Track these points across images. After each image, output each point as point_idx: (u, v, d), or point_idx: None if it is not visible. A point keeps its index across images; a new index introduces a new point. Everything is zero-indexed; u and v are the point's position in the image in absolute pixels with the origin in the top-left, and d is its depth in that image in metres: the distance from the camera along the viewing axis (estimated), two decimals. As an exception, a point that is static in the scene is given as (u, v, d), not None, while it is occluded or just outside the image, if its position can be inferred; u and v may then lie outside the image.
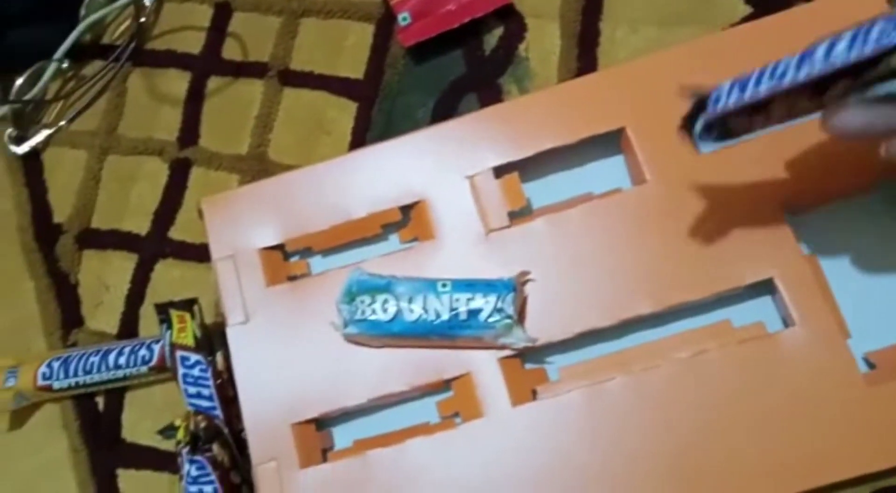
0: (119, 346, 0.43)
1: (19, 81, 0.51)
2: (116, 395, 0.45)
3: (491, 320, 0.37)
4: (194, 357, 0.40)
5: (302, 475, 0.38)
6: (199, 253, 0.47)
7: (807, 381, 0.35)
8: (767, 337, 0.36)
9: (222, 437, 0.38)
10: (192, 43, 0.52)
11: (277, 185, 0.44)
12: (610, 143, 0.42)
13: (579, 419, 0.37)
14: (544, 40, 0.47)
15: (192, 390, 0.39)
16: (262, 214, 0.43)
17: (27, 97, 0.51)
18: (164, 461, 0.43)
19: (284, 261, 0.43)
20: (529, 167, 0.42)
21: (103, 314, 0.47)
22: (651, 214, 0.39)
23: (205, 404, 0.39)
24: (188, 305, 0.41)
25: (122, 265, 0.48)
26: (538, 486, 0.36)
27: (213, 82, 0.51)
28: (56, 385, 0.43)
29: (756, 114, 0.30)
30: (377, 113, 0.48)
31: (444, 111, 0.47)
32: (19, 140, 0.51)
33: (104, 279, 0.48)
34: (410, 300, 0.38)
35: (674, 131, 0.34)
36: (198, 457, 0.37)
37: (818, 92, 0.28)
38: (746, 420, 0.35)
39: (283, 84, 0.50)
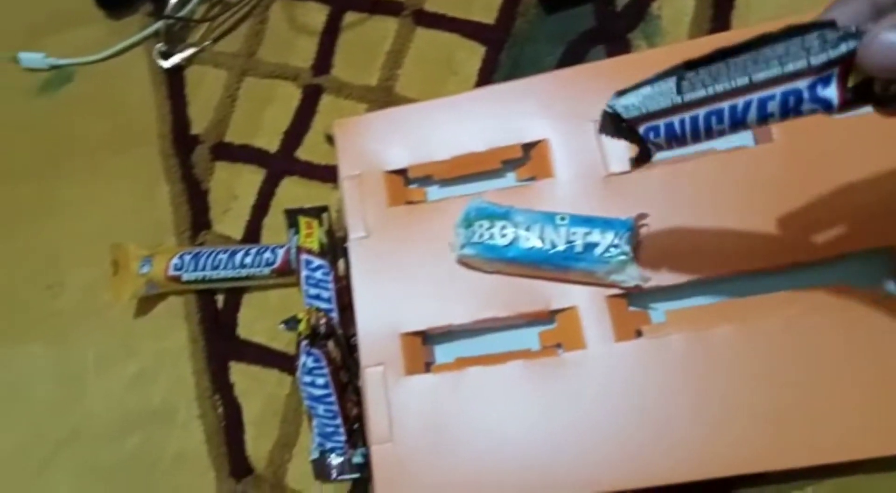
0: (246, 247, 0.46)
1: (173, 1, 0.54)
2: (236, 294, 0.48)
3: (606, 255, 0.38)
4: (318, 261, 0.42)
5: (406, 382, 0.40)
6: (322, 173, 0.49)
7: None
8: (884, 300, 0.36)
9: (337, 336, 0.41)
10: (334, -22, 0.54)
11: (407, 113, 0.46)
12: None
13: (682, 362, 0.37)
14: (679, 1, 0.47)
15: (313, 291, 0.42)
16: (390, 140, 0.45)
17: (179, 15, 0.54)
18: (273, 359, 0.46)
19: (405, 186, 0.45)
20: (654, 119, 0.42)
21: (230, 221, 0.50)
22: (774, 173, 0.39)
23: (323, 305, 0.41)
24: (317, 212, 0.44)
25: (250, 178, 0.50)
26: (631, 421, 0.37)
27: (349, 17, 0.53)
28: (185, 277, 0.46)
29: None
30: (505, 57, 0.49)
31: (571, 61, 0.48)
32: (166, 55, 0.55)
33: (233, 189, 0.51)
34: (528, 229, 0.39)
35: None
36: (315, 350, 0.39)
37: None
38: (853, 381, 0.35)
39: (416, 23, 0.51)
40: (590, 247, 0.38)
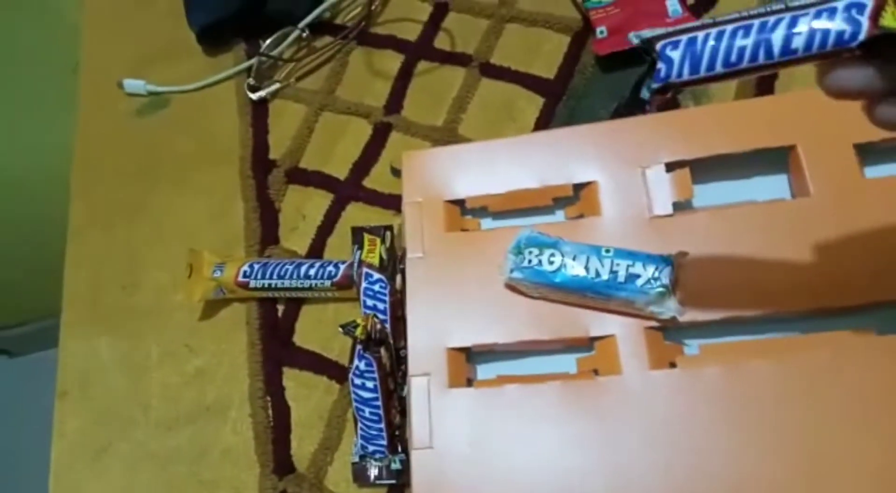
0: (311, 261, 0.49)
1: (267, 41, 0.60)
2: (295, 305, 0.51)
3: (647, 286, 0.40)
4: (377, 275, 0.45)
5: (449, 394, 0.42)
6: (385, 201, 0.53)
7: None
8: (911, 350, 0.37)
9: (389, 345, 0.43)
10: (410, 32, 0.59)
11: (469, 150, 0.50)
12: (776, 161, 0.45)
13: (715, 394, 0.38)
14: (726, 68, 0.51)
15: (370, 302, 0.45)
16: (451, 173, 0.48)
17: (271, 54, 0.60)
18: (324, 367, 0.48)
19: (462, 215, 0.49)
20: (698, 169, 0.45)
21: (296, 238, 0.54)
22: (810, 223, 0.41)
23: (379, 316, 0.44)
24: (381, 231, 0.47)
25: (319, 201, 0.54)
26: (663, 448, 0.38)
27: (421, 65, 0.58)
28: (252, 284, 0.49)
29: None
30: (561, 109, 0.53)
31: (623, 116, 0.51)
32: (254, 89, 0.60)
33: (302, 210, 0.55)
34: (574, 258, 0.42)
35: (839, 157, 0.39)
36: (368, 354, 0.42)
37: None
38: (881, 429, 0.36)
39: (482, 74, 0.56)
40: (632, 278, 0.40)
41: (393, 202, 0.52)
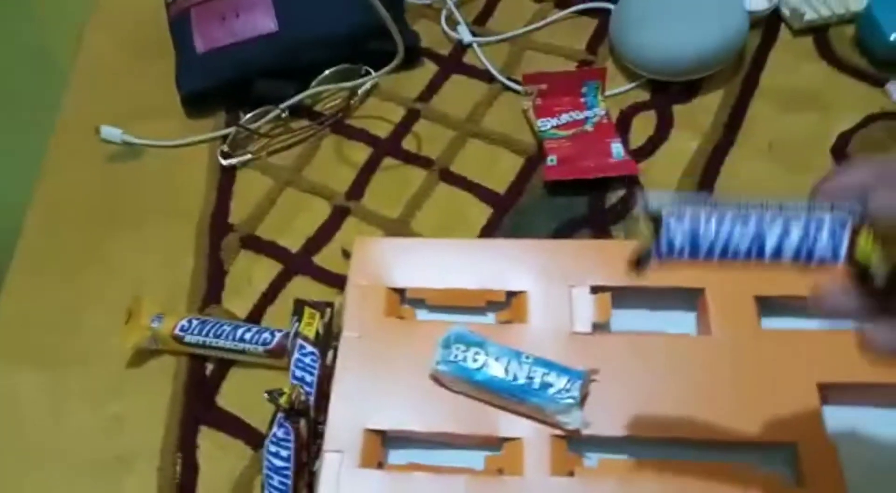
0: (249, 325, 0.50)
1: (248, 116, 0.63)
2: (225, 365, 0.51)
3: (557, 396, 0.43)
4: (310, 348, 0.47)
5: (359, 473, 0.43)
6: (331, 279, 0.55)
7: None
8: (782, 488, 0.41)
9: (309, 417, 0.44)
10: (382, 129, 0.64)
11: (417, 244, 0.53)
12: (687, 299, 0.49)
13: (605, 505, 0.41)
14: (656, 210, 0.57)
15: (299, 373, 0.46)
16: (397, 262, 0.51)
17: (249, 127, 0.63)
18: (241, 431, 0.49)
19: (400, 304, 0.51)
20: (619, 296, 0.49)
21: (239, 301, 0.55)
22: (708, 360, 0.45)
23: (306, 388, 0.45)
24: (322, 306, 0.49)
25: (267, 270, 0.56)
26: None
27: (387, 161, 0.62)
28: (187, 338, 0.50)
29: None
30: (507, 221, 0.57)
31: (560, 236, 0.56)
32: (226, 156, 0.63)
33: (250, 275, 0.56)
34: (497, 359, 0.45)
35: (740, 305, 0.45)
36: (288, 423, 0.43)
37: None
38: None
39: (440, 178, 0.60)
40: (545, 386, 0.43)
41: (338, 281, 0.54)
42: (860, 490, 0.40)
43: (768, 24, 0.67)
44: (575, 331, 0.47)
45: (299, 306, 0.49)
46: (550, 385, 0.43)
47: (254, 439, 0.48)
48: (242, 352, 0.50)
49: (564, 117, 0.62)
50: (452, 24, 0.70)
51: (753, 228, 0.28)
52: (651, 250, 0.29)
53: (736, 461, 0.42)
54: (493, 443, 0.45)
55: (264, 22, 0.65)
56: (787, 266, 0.28)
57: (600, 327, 0.48)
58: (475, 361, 0.45)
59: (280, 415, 0.43)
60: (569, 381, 0.43)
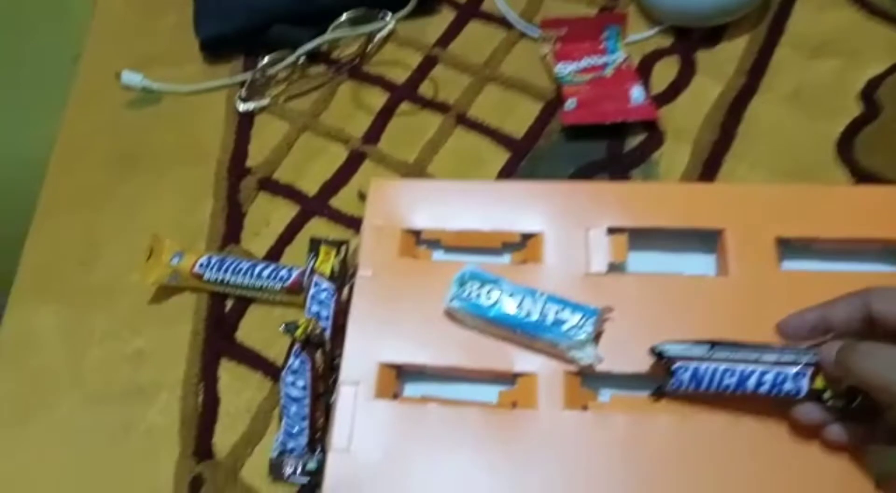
0: (266, 263, 0.51)
1: (265, 60, 0.63)
2: (244, 303, 0.52)
3: (571, 332, 0.43)
4: (326, 284, 0.47)
5: (374, 404, 0.43)
6: (347, 221, 0.55)
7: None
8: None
9: (325, 349, 0.45)
10: (399, 75, 0.63)
11: (433, 186, 0.53)
12: (706, 241, 0.49)
13: (620, 441, 0.41)
14: (675, 156, 0.55)
15: (315, 308, 0.46)
16: (413, 204, 0.51)
17: (267, 73, 0.63)
18: (260, 364, 0.49)
19: (416, 245, 0.51)
20: (636, 238, 0.49)
21: (257, 242, 0.55)
22: (726, 302, 0.45)
23: (321, 322, 0.46)
24: (338, 244, 0.49)
25: (285, 211, 0.56)
26: (565, 483, 0.40)
27: (404, 106, 0.61)
28: (207, 275, 0.51)
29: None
30: (524, 166, 0.57)
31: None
32: (244, 101, 0.63)
33: (267, 217, 0.56)
34: (511, 296, 0.45)
35: (761, 246, 0.45)
36: (304, 354, 0.43)
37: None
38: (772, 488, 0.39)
39: (457, 123, 0.60)
40: (558, 322, 0.43)
41: (354, 224, 0.54)
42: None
43: (795, -31, 0.65)
44: (591, 271, 0.47)
45: (315, 244, 0.49)
46: (564, 321, 0.43)
47: (272, 371, 0.49)
48: (260, 289, 0.50)
49: (584, 62, 0.60)
50: (471, -31, 0.69)
51: (738, 377, 0.39)
52: (665, 385, 0.41)
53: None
54: (506, 378, 0.45)
55: (282, -34, 0.64)
56: (763, 399, 0.39)
57: (616, 268, 0.47)
58: (489, 298, 0.45)
59: (296, 346, 0.43)
60: (582, 317, 0.43)
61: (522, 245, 0.50)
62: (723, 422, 0.41)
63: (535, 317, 0.44)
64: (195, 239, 0.56)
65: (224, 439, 0.47)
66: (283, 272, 0.50)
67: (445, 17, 0.67)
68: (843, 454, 0.39)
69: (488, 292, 0.45)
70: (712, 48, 0.62)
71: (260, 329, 0.51)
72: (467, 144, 0.59)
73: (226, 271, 0.50)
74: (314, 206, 0.56)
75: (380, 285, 0.48)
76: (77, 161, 0.63)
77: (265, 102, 0.63)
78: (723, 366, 0.39)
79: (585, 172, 0.56)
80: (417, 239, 0.51)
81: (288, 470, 0.43)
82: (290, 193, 0.58)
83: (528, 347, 0.45)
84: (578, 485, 0.40)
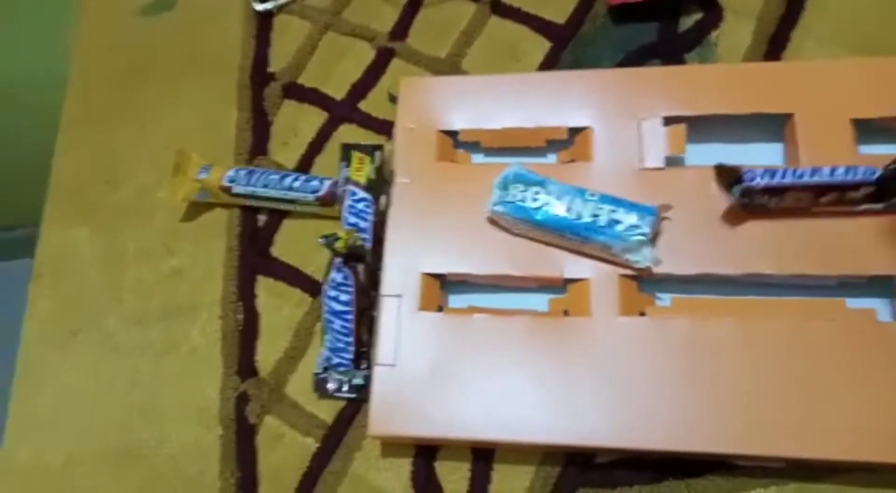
0: (296, 174, 0.48)
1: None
2: (277, 217, 0.50)
3: (626, 233, 0.39)
4: (362, 194, 0.44)
5: (418, 316, 0.41)
6: (378, 126, 0.51)
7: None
8: (874, 324, 0.37)
9: (367, 262, 0.42)
10: (426, -39, 0.58)
11: (469, 82, 0.48)
12: (773, 128, 0.44)
13: (680, 345, 0.38)
14: (736, 34, 0.49)
15: (353, 219, 0.44)
16: (448, 104, 0.47)
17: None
18: (298, 279, 0.47)
19: (454, 147, 0.47)
20: (695, 128, 0.44)
21: (286, 152, 0.52)
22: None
23: (361, 234, 0.43)
24: (371, 149, 0.46)
25: (313, 119, 0.53)
26: (621, 388, 0.38)
27: (433, -5, 0.56)
28: (235, 189, 0.48)
29: (773, 196, 0.39)
30: (567, 55, 0.51)
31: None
32: (262, 0, 0.58)
33: (295, 125, 0.53)
34: (559, 198, 0.41)
35: (835, 130, 0.40)
36: (346, 268, 0.41)
37: (817, 196, 0.39)
38: (835, 386, 0.36)
39: (492, 11, 0.54)
40: (613, 223, 0.40)
41: (386, 128, 0.50)
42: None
43: None
44: (646, 166, 0.43)
45: (346, 151, 0.46)
46: (619, 222, 0.40)
47: (311, 287, 0.47)
48: (293, 202, 0.47)
49: (632, -66, 0.53)
50: None
51: (810, 171, 0.38)
52: (741, 177, 0.39)
53: (819, 299, 0.39)
54: (556, 284, 0.42)
55: None
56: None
57: (674, 162, 0.43)
58: (535, 200, 0.41)
59: (337, 260, 0.41)
60: (639, 217, 0.39)
61: (569, 142, 0.46)
62: (784, 327, 0.38)
63: (586, 218, 0.40)
64: (222, 153, 0.53)
65: (267, 356, 0.46)
66: (315, 183, 0.47)
67: None
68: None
69: (534, 194, 0.41)
70: None
71: (296, 243, 0.49)
72: (503, 34, 0.53)
73: (255, 184, 0.48)
74: (343, 111, 0.52)
75: (418, 193, 0.45)
76: (94, 77, 0.60)
77: (283, 0, 0.58)
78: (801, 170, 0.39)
79: (635, 59, 0.50)
80: (455, 141, 0.47)
81: (332, 386, 0.42)
82: (316, 98, 0.54)
83: (578, 251, 0.41)
84: (637, 395, 0.38)
